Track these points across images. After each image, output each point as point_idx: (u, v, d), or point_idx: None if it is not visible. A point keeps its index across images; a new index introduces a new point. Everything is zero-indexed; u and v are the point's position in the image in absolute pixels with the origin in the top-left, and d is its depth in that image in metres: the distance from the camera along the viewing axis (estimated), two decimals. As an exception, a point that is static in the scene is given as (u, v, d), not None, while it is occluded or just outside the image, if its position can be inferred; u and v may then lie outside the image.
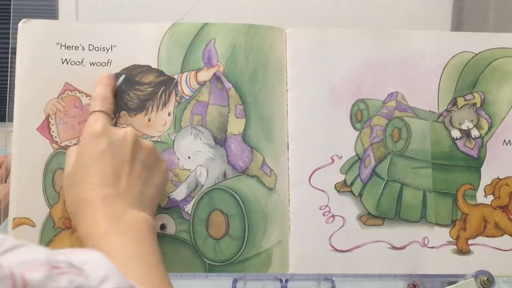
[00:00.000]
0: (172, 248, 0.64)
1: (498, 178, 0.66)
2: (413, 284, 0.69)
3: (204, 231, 0.64)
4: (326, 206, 0.66)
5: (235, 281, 0.64)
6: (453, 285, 0.64)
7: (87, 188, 0.55)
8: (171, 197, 0.65)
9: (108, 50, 0.66)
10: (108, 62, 0.66)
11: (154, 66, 0.67)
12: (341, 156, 0.66)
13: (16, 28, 0.67)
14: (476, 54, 0.68)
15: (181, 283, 0.64)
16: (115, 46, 0.66)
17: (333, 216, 0.66)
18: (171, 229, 0.64)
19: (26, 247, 0.35)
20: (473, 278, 0.64)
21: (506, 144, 0.67)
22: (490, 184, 0.66)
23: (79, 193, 0.56)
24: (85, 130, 0.59)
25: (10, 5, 1.56)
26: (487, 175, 0.67)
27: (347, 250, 0.65)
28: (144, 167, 0.59)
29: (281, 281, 0.64)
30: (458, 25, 1.94)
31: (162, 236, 0.64)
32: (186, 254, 0.64)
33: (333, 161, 0.66)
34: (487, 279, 0.63)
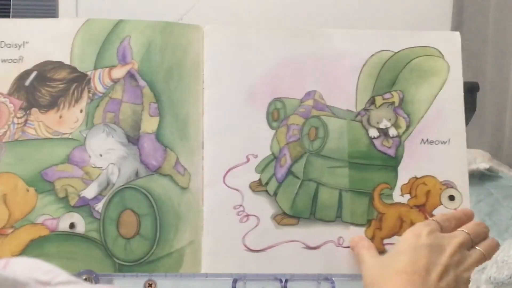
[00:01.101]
0: (81, 247, 0.62)
1: (415, 177, 0.65)
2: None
3: (114, 231, 0.63)
4: (241, 205, 0.64)
5: (235, 281, 0.63)
6: None
7: None
8: (81, 195, 0.63)
9: (20, 47, 0.65)
10: (19, 59, 0.64)
11: (67, 62, 0.65)
12: (257, 155, 0.65)
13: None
14: (396, 53, 0.67)
15: (181, 283, 0.64)
16: (27, 42, 0.65)
17: (247, 215, 0.64)
18: (80, 228, 0.63)
19: (78, 285, 0.37)
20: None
21: (424, 143, 0.66)
22: (407, 183, 0.65)
23: None
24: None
25: (10, 5, 1.55)
26: (404, 174, 0.66)
27: (260, 250, 0.64)
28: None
29: (281, 281, 0.63)
30: (458, 25, 1.94)
31: (71, 236, 0.63)
32: (95, 253, 0.62)
33: (248, 160, 0.65)
34: None
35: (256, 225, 0.64)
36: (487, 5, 1.81)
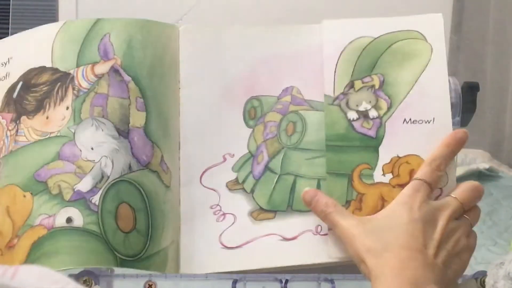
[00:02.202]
0: (81, 241, 0.61)
1: (398, 156, 0.64)
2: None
3: (113, 223, 0.61)
4: (217, 205, 0.64)
5: (235, 282, 0.63)
6: None
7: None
8: (76, 189, 0.62)
9: (5, 64, 0.66)
10: (6, 75, 0.66)
11: (49, 65, 0.65)
12: (233, 154, 0.65)
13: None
14: (375, 38, 0.67)
15: (181, 284, 0.64)
16: (11, 57, 0.66)
17: (224, 214, 0.64)
18: (78, 221, 0.61)
19: None
20: (473, 278, 0.62)
21: (407, 123, 0.65)
22: (389, 163, 0.64)
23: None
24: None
25: (10, 5, 1.56)
26: (386, 154, 0.64)
27: (237, 247, 0.64)
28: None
29: (281, 281, 0.63)
30: (458, 25, 1.93)
31: (69, 231, 0.61)
32: (96, 247, 0.61)
33: (225, 159, 0.65)
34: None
35: (233, 223, 0.64)
36: (487, 5, 1.81)
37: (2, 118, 0.65)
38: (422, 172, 0.61)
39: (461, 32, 1.82)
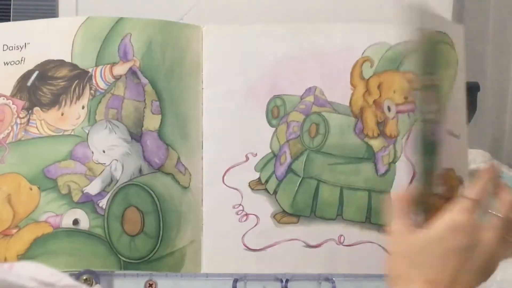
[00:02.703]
0: (85, 244, 0.60)
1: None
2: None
3: (119, 227, 0.61)
4: (240, 205, 0.62)
5: (235, 281, 0.61)
6: None
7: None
8: (84, 191, 0.61)
9: (21, 48, 0.63)
10: (22, 60, 0.63)
11: (68, 60, 0.63)
12: (256, 154, 0.63)
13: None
14: (392, 46, 0.64)
15: (181, 283, 0.62)
16: (28, 43, 0.63)
17: (246, 214, 0.62)
18: (84, 224, 0.60)
19: None
20: None
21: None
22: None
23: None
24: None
25: (10, 4, 1.55)
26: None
27: (260, 249, 0.61)
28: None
29: (281, 281, 0.61)
30: None
31: (75, 232, 0.60)
32: (100, 250, 0.60)
33: (247, 159, 0.63)
34: None
35: (256, 224, 0.62)
36: (487, 5, 1.80)
37: (13, 104, 0.63)
38: (472, 190, 0.56)
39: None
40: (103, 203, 0.62)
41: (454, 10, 1.80)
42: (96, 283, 0.60)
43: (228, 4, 1.57)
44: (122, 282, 0.62)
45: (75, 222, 0.61)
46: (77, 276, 0.60)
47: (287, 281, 0.62)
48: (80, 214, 0.61)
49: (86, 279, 0.60)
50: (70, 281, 0.37)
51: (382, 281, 0.61)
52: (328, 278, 0.62)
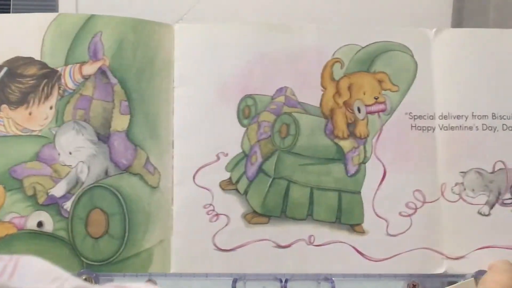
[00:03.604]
0: (49, 246, 0.57)
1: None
2: (413, 284, 0.66)
3: (83, 230, 0.57)
4: (210, 204, 0.59)
5: (234, 281, 0.58)
6: (453, 285, 0.58)
7: None
8: (49, 193, 0.58)
9: None
10: None
11: (38, 58, 0.59)
12: (227, 154, 0.60)
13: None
14: (363, 47, 0.63)
15: (181, 282, 0.59)
16: None
17: (217, 214, 0.59)
18: (48, 226, 0.57)
19: None
20: (473, 278, 0.58)
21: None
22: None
23: None
24: None
25: (10, 3, 1.55)
26: None
27: (230, 250, 0.58)
28: None
29: (280, 281, 0.59)
30: (458, 24, 1.91)
31: (39, 235, 0.57)
32: (63, 252, 0.57)
33: (218, 158, 0.60)
34: None
35: (226, 224, 0.59)
36: (487, 5, 1.81)
37: None
38: None
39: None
40: (67, 205, 0.58)
41: (454, 10, 1.81)
42: (95, 283, 0.58)
43: (228, 4, 1.56)
44: (121, 281, 0.61)
45: (39, 224, 0.58)
46: (76, 276, 0.59)
47: (286, 281, 0.60)
48: (44, 216, 0.58)
49: (85, 279, 0.58)
50: (74, 283, 0.35)
51: (382, 281, 0.61)
52: (327, 278, 0.59)
